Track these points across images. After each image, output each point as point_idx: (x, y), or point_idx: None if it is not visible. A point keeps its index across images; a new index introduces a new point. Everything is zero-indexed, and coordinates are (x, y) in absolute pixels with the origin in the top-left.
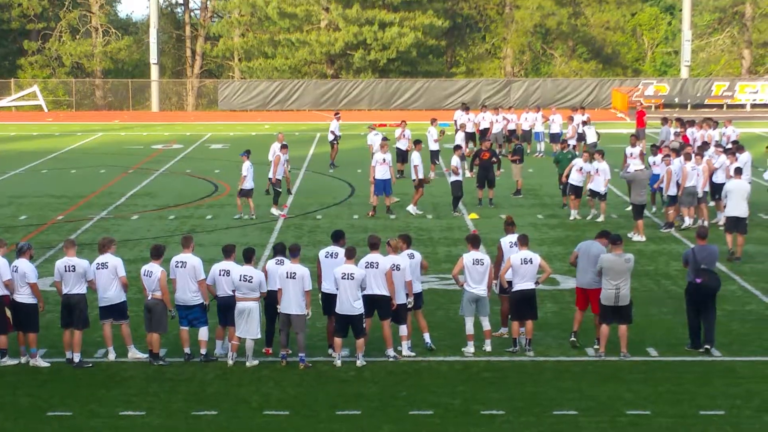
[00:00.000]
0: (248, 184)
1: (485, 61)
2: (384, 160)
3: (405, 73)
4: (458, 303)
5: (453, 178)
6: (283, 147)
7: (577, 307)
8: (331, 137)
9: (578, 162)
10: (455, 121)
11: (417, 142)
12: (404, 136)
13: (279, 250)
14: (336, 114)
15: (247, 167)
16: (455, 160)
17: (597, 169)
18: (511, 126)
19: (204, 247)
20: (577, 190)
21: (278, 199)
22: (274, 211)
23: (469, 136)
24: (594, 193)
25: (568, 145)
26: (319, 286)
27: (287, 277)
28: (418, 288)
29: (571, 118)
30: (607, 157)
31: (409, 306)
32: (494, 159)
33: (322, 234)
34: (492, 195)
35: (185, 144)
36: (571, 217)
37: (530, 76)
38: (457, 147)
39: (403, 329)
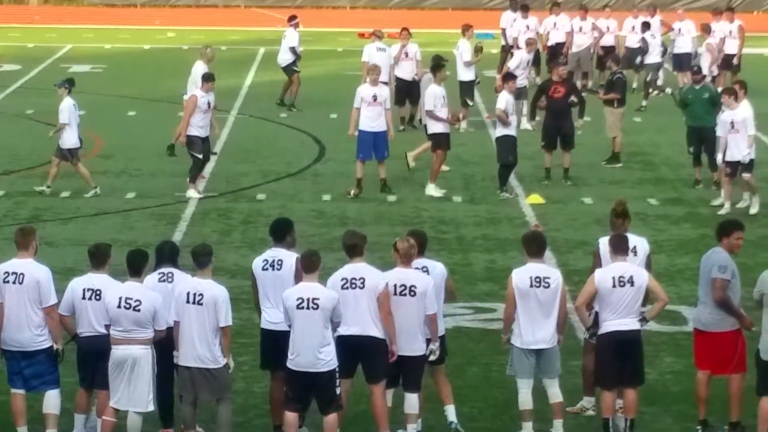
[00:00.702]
0: (71, 137)
1: None
2: (375, 98)
3: None
4: (506, 354)
5: (500, 130)
6: (207, 79)
7: (696, 366)
8: (285, 59)
9: (727, 113)
10: (503, 30)
11: (436, 67)
12: (407, 54)
13: (166, 255)
14: (292, 19)
15: (68, 108)
16: (504, 100)
17: (732, 121)
18: (607, 40)
19: (56, 247)
20: (734, 165)
21: (199, 170)
22: (191, 192)
23: (538, 58)
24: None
25: (704, 76)
26: (258, 314)
27: (189, 301)
28: (440, 327)
29: (709, 29)
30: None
31: (432, 357)
32: (573, 98)
33: (266, 228)
34: (569, 162)
35: (24, 64)
36: (720, 205)
37: None
38: (509, 76)
39: (412, 401)
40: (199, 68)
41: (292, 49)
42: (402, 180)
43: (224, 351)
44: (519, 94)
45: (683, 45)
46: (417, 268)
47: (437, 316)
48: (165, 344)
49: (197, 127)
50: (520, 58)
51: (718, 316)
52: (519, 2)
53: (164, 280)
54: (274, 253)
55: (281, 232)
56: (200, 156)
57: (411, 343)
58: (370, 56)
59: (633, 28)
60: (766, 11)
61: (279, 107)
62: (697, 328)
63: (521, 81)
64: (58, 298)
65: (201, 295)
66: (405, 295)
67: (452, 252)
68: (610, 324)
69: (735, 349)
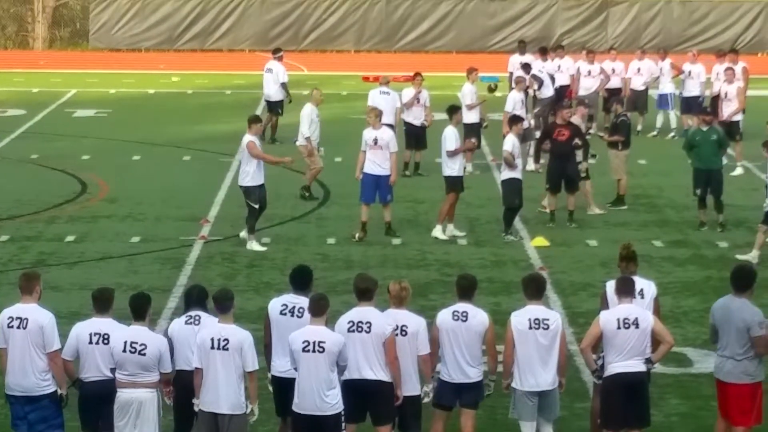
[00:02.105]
0: None
1: None
2: (375, 141)
3: None
4: (508, 396)
5: (506, 173)
6: (254, 121)
7: (720, 413)
8: (275, 95)
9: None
10: (511, 73)
11: (452, 109)
12: (419, 100)
13: (194, 298)
14: (276, 51)
15: None
16: (510, 142)
17: None
18: (613, 82)
19: (61, 292)
20: None
21: (255, 219)
22: (255, 245)
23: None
24: None
25: (713, 117)
26: (268, 365)
27: (213, 347)
28: (474, 371)
29: (733, 72)
30: None
31: (426, 399)
32: (577, 141)
33: (272, 271)
34: (573, 205)
35: (29, 109)
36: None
37: None
38: (515, 119)
39: None
40: (308, 110)
41: (284, 86)
42: (407, 223)
43: (250, 397)
44: (525, 136)
45: (693, 88)
46: (456, 311)
47: (431, 357)
48: (182, 392)
49: (252, 175)
50: (513, 100)
51: (742, 368)
52: (522, 43)
53: (191, 323)
54: (295, 299)
55: (303, 281)
56: (256, 206)
57: (405, 383)
58: (373, 100)
59: (638, 70)
60: None
61: (284, 152)
62: (719, 378)
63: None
64: (62, 342)
65: (226, 340)
66: (396, 335)
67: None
68: (616, 366)
69: (754, 401)
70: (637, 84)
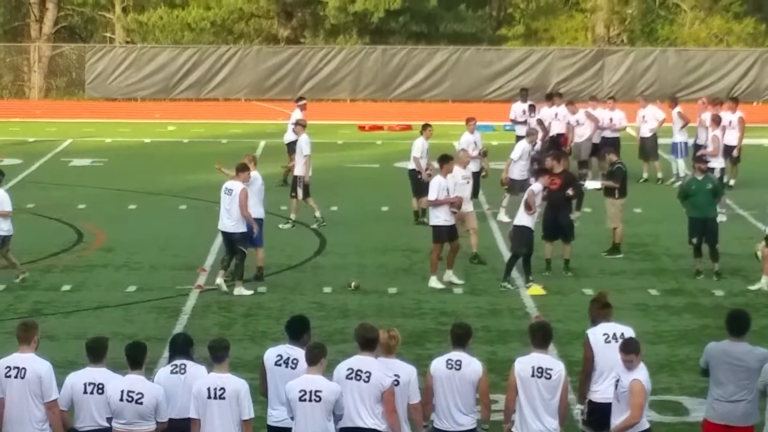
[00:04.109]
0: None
1: (559, 17)
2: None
3: (417, 36)
4: None
5: (520, 218)
6: (242, 170)
7: None
8: (288, 138)
9: None
10: (512, 120)
11: (443, 158)
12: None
13: (179, 347)
14: (299, 100)
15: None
16: (538, 187)
17: None
18: (609, 131)
19: (57, 341)
20: None
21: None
22: (242, 290)
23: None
24: None
25: (710, 167)
26: (264, 404)
27: (210, 396)
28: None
29: (715, 120)
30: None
31: None
32: (570, 192)
33: (268, 320)
34: (569, 254)
35: (25, 158)
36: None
37: (639, 43)
38: (542, 172)
39: None
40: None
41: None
42: (403, 272)
43: None
44: (522, 185)
45: (703, 136)
46: (450, 360)
47: (425, 406)
48: None
49: (254, 210)
50: (522, 149)
51: (752, 408)
52: (524, 91)
53: (176, 372)
54: (290, 350)
55: (298, 331)
56: (246, 251)
57: None
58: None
59: (643, 117)
60: (766, 102)
61: (280, 200)
62: (711, 420)
63: (522, 173)
64: (58, 392)
65: (223, 389)
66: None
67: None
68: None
69: None
70: (645, 131)
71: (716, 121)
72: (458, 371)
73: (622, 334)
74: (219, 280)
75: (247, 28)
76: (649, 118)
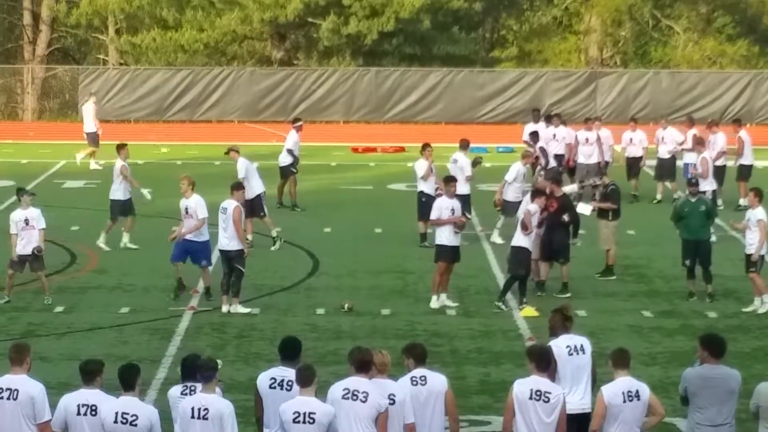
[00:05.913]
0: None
1: (552, 39)
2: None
3: (410, 57)
4: None
5: (518, 238)
6: (236, 188)
7: None
8: (283, 161)
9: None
10: (526, 142)
11: (447, 180)
12: (432, 171)
13: (189, 368)
14: (295, 122)
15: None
16: (534, 208)
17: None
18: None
19: (50, 362)
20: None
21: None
22: (240, 307)
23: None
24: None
25: (700, 191)
26: (259, 430)
27: (194, 416)
28: None
29: (703, 142)
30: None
31: None
32: (565, 218)
33: (261, 342)
34: (567, 276)
35: (18, 180)
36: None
37: (632, 65)
38: (538, 193)
39: None
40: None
41: (290, 152)
42: (396, 294)
43: None
44: (516, 208)
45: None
46: (415, 377)
47: (413, 426)
48: None
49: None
50: (516, 171)
51: None
52: (541, 113)
53: (186, 393)
54: (283, 372)
55: (292, 352)
56: (244, 270)
57: None
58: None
59: (663, 139)
60: (759, 124)
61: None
62: None
63: (517, 195)
64: (51, 414)
65: (206, 409)
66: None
67: (446, 365)
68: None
69: None
70: (663, 152)
71: (699, 142)
72: (424, 386)
73: (582, 345)
74: (225, 308)
75: (241, 50)
76: (669, 140)
